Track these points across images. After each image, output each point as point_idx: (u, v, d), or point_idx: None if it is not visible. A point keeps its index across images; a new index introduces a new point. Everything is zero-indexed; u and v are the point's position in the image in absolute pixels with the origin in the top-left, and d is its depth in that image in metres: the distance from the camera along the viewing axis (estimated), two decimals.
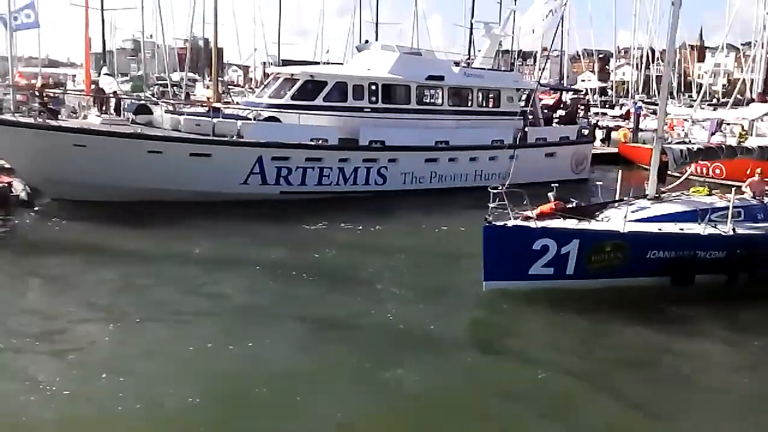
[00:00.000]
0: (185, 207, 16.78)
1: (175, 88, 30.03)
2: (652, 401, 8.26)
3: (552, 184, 12.73)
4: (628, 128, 37.01)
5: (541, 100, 29.48)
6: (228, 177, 17.91)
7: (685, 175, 15.33)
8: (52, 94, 25.86)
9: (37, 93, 25.37)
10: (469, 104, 23.15)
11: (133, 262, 13.00)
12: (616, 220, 12.08)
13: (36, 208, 17.20)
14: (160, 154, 17.15)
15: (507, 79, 24.87)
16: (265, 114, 19.97)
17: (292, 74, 20.99)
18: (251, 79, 44.09)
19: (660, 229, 11.99)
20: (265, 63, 40.34)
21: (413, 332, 9.98)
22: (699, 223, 11.95)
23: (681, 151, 14.48)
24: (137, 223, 15.43)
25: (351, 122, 20.25)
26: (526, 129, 24.00)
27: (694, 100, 44.53)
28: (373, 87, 20.90)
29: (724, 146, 16.06)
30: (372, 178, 20.11)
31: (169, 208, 16.53)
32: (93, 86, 28.52)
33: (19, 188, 17.50)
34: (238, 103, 23.82)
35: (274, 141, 18.58)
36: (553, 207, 12.18)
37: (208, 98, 26.87)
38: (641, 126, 37.92)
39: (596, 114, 37.08)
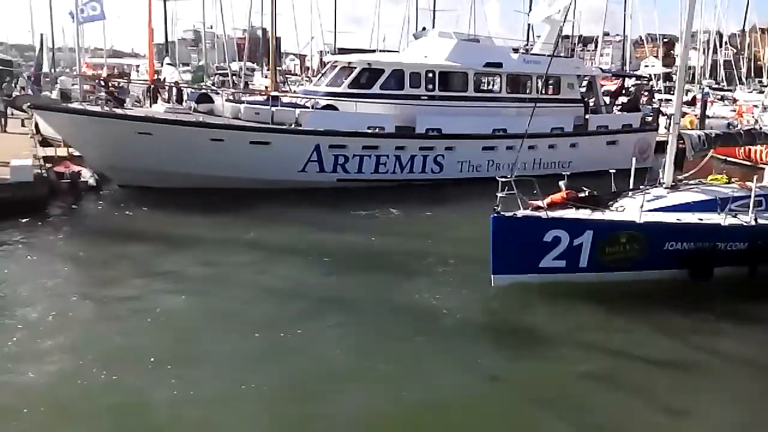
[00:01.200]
0: (244, 194, 17.11)
1: (234, 77, 30.50)
2: (670, 400, 7.95)
3: (566, 175, 12.42)
4: (695, 115, 35.67)
5: (602, 86, 28.72)
6: (286, 165, 18.14)
7: (703, 162, 14.36)
8: (117, 84, 26.72)
9: (103, 83, 26.26)
10: (528, 91, 22.75)
11: (193, 246, 13.35)
12: (630, 209, 11.50)
13: (103, 194, 17.83)
14: (221, 142, 17.49)
15: (567, 66, 24.30)
16: (323, 102, 20.12)
17: (350, 63, 21.04)
18: (308, 68, 44.43)
19: (678, 219, 11.40)
20: (321, 52, 40.55)
21: (445, 319, 9.93)
22: (718, 213, 11.35)
23: (699, 137, 13.77)
24: (198, 210, 15.79)
25: (408, 110, 20.19)
26: (587, 116, 23.46)
27: (765, 86, 42.64)
28: (430, 74, 20.77)
29: (742, 131, 15.19)
30: (428, 166, 20.03)
31: (229, 196, 16.92)
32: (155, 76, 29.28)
33: (87, 175, 18.16)
34: (295, 92, 24.05)
35: (331, 129, 18.70)
36: (564, 196, 11.71)
37: (266, 87, 27.24)
38: (708, 113, 36.49)
39: (660, 100, 35.87)
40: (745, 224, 11.36)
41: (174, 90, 24.22)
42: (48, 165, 18.21)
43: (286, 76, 35.81)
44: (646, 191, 12.45)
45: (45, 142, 21.41)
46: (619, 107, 26.25)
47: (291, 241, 13.89)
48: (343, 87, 20.19)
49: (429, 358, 8.73)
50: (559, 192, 11.85)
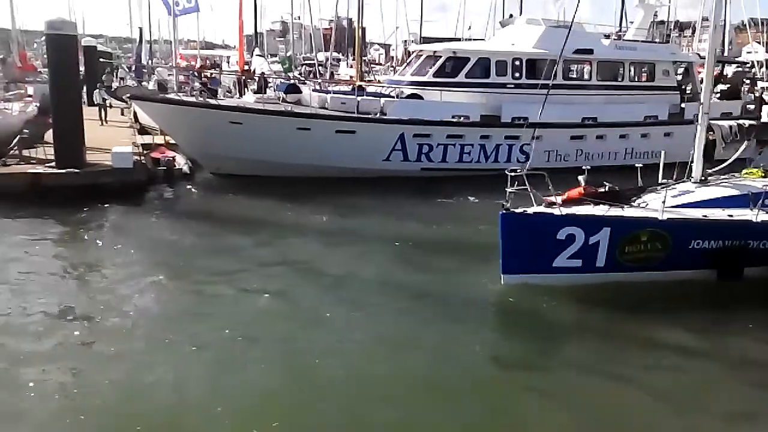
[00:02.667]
0: (330, 182, 17.40)
1: (320, 67, 30.97)
2: (695, 410, 7.49)
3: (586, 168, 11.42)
4: None
5: (699, 73, 27.35)
6: (371, 153, 18.30)
7: (737, 154, 12.97)
8: (209, 75, 27.66)
9: (196, 74, 27.24)
10: (620, 79, 21.93)
11: (280, 231, 13.78)
12: (654, 206, 10.66)
13: (195, 181, 18.59)
14: (308, 131, 17.84)
15: (662, 52, 23.27)
16: (408, 91, 20.14)
17: (435, 51, 20.94)
18: (392, 58, 44.52)
19: (704, 216, 10.55)
20: (406, 41, 40.50)
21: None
22: (751, 209, 10.44)
23: (731, 127, 12.71)
24: (284, 197, 16.22)
25: (493, 99, 19.91)
26: (683, 105, 22.42)
27: None
28: (517, 62, 20.37)
29: None
30: (514, 155, 19.65)
31: (315, 183, 17.27)
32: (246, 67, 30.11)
33: (181, 162, 18.97)
34: (379, 81, 24.17)
35: (415, 118, 18.70)
36: (582, 191, 10.92)
37: (351, 77, 27.52)
38: None
39: (763, 89, 33.79)
40: None
41: (263, 81, 24.81)
42: (146, 152, 19.13)
43: (371, 65, 36.02)
44: (673, 186, 11.59)
45: (143, 131, 22.49)
46: (718, 95, 24.92)
47: (371, 229, 14.07)
48: (428, 76, 20.12)
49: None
50: (577, 187, 11.04)
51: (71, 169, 15.75)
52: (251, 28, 38.35)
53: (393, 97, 19.96)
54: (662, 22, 40.96)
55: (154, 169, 18.06)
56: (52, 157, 16.29)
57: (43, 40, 51.82)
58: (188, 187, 18.06)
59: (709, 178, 12.10)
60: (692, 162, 12.07)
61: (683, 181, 12.03)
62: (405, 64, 25.27)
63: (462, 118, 19.22)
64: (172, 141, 19.87)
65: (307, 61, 36.13)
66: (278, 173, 17.68)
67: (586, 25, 25.73)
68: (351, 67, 32.30)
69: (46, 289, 10.29)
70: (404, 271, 11.41)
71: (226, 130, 17.55)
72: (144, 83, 26.43)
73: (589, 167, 11.45)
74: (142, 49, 28.46)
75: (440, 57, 20.35)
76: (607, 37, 23.36)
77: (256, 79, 25.14)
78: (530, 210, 10.09)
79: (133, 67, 29.01)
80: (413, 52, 24.17)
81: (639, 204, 10.99)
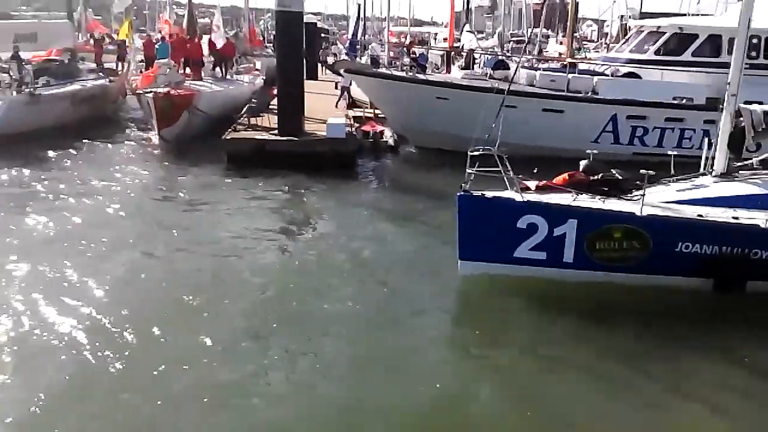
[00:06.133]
0: (533, 162, 16.96)
1: (529, 45, 30.23)
2: None
3: (591, 152, 10.16)
4: None
5: None
6: (579, 134, 17.50)
7: None
8: (417, 51, 28.26)
9: (405, 50, 27.96)
10: None
11: None
12: (650, 199, 9.09)
13: (400, 154, 19.20)
14: (514, 109, 17.49)
15: None
16: (624, 70, 19.00)
17: (658, 27, 19.47)
18: (606, 34, 42.10)
19: (699, 216, 8.86)
20: (622, 16, 38.03)
21: None
22: None
23: (765, 113, 10.26)
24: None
25: (723, 80, 18.02)
26: None
27: None
28: (755, 40, 18.24)
29: None
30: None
31: (518, 162, 16.93)
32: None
33: (388, 135, 19.69)
34: (589, 59, 23.08)
35: (630, 98, 17.59)
36: (566, 177, 9.61)
37: (560, 54, 26.52)
38: None
39: None
40: None
41: (471, 57, 24.83)
42: (356, 125, 20.08)
43: (582, 42, 34.43)
44: (688, 179, 10.10)
45: (353, 104, 23.63)
46: None
47: None
48: (649, 54, 18.80)
49: None
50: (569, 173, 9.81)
51: (291, 137, 17.02)
52: (459, 5, 38.49)
53: (607, 75, 18.97)
54: None
55: (363, 140, 18.94)
56: (275, 125, 17.72)
57: (268, 17, 56.33)
58: (392, 159, 18.75)
59: (735, 172, 10.13)
60: (714, 153, 10.18)
61: (702, 175, 10.27)
62: (622, 40, 23.82)
63: (684, 100, 17.70)
64: (381, 115, 20.67)
65: (514, 38, 35.45)
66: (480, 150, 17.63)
67: None
68: (561, 43, 31.11)
69: (260, 230, 11.91)
70: None
71: (432, 104, 17.84)
72: (357, 58, 27.66)
73: (596, 152, 10.30)
74: (359, 25, 29.75)
75: (664, 33, 18.89)
76: None
77: (464, 55, 25.23)
78: (489, 194, 9.17)
79: (348, 43, 30.45)
80: (632, 27, 22.70)
81: (636, 196, 9.27)
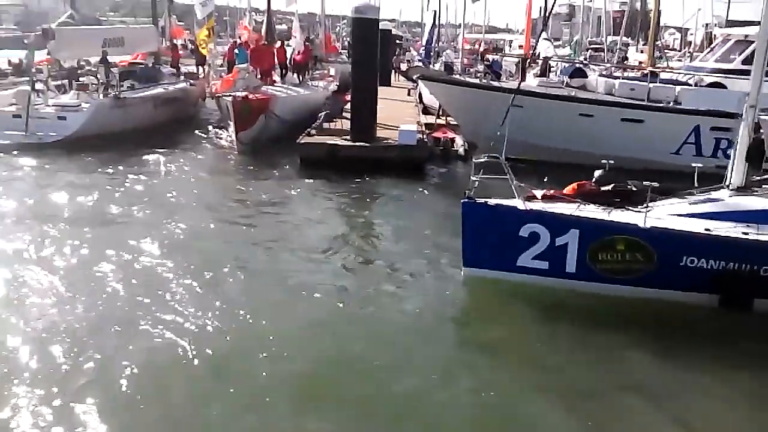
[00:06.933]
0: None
1: (610, 53, 29.57)
2: None
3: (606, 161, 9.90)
4: None
5: None
6: (659, 145, 16.97)
7: None
8: (491, 58, 28.00)
9: (479, 57, 27.77)
10: None
11: None
12: (659, 212, 9.05)
13: (469, 162, 18.97)
14: (590, 118, 17.13)
15: None
16: (708, 80, 18.28)
17: (746, 36, 18.61)
18: (689, 43, 40.65)
19: (706, 229, 8.58)
20: (707, 24, 36.66)
21: None
22: None
23: None
24: (555, 183, 15.81)
25: None
26: None
27: None
28: None
29: None
30: None
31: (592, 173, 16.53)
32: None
33: (459, 143, 19.55)
34: (671, 68, 22.32)
35: (715, 109, 16.87)
36: (575, 187, 9.58)
37: (641, 62, 25.77)
38: None
39: None
40: None
41: (546, 65, 24.44)
42: (427, 131, 20.06)
43: (664, 50, 33.38)
44: (704, 192, 9.72)
45: (425, 111, 23.63)
46: None
47: None
48: (736, 63, 17.99)
49: None
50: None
51: (363, 143, 17.16)
52: (536, 12, 37.89)
53: (690, 85, 18.29)
54: None
55: (433, 147, 18.88)
56: (348, 130, 17.90)
57: (343, 23, 57.02)
58: (462, 167, 18.57)
59: (760, 186, 9.55)
60: (732, 165, 9.61)
61: (720, 188, 9.69)
62: (707, 49, 22.94)
63: None
64: (452, 122, 20.56)
65: (593, 45, 34.69)
66: (555, 159, 17.24)
67: None
68: (642, 52, 30.25)
69: (331, 232, 12.20)
70: None
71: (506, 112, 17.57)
72: (431, 65, 27.68)
73: (612, 162, 9.96)
74: (433, 32, 29.76)
75: (752, 42, 18.03)
76: None
77: (539, 62, 24.83)
78: (493, 201, 9.15)
79: (422, 50, 30.53)
80: (717, 36, 21.84)
81: (646, 208, 8.84)
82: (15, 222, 12.00)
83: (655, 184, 8.69)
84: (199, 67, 26.38)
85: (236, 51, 23.63)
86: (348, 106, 19.11)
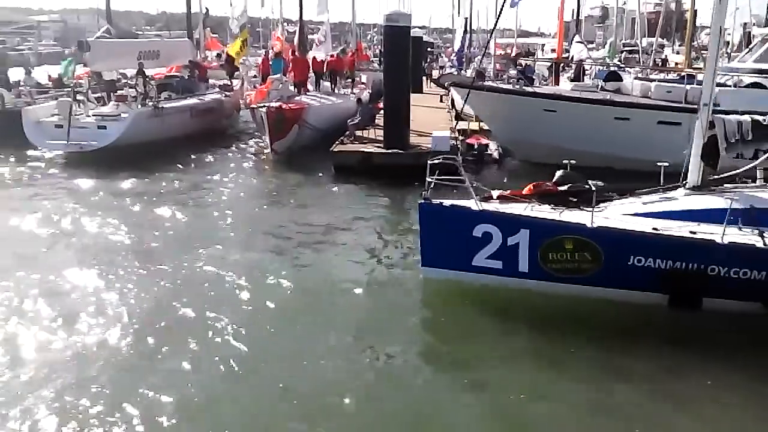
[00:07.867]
0: (647, 177, 16.29)
1: (645, 55, 29.16)
2: None
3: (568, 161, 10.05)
4: None
5: None
6: None
7: (758, 161, 9.77)
8: (524, 63, 27.86)
9: (512, 61, 27.63)
10: None
11: None
12: (611, 212, 9.22)
13: (502, 167, 18.92)
14: (626, 121, 16.91)
15: None
16: (747, 80, 17.90)
17: None
18: (727, 43, 39.85)
19: (654, 229, 8.59)
20: (745, 24, 35.89)
21: None
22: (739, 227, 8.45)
23: (739, 124, 10.01)
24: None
25: None
26: None
27: None
28: None
29: None
30: None
31: (635, 178, 16.29)
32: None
33: (493, 148, 19.46)
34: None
35: (755, 110, 16.48)
36: (532, 188, 9.69)
37: (677, 64, 25.38)
38: None
39: None
40: (757, 245, 8.20)
41: (580, 68, 24.23)
42: (461, 138, 20.00)
43: (701, 52, 32.80)
44: (658, 192, 9.89)
45: (458, 117, 23.53)
46: None
47: None
48: None
49: None
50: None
51: (396, 150, 17.20)
52: (568, 15, 37.51)
53: (729, 86, 17.92)
54: None
55: (467, 153, 18.80)
56: (381, 138, 17.95)
57: (374, 31, 57.23)
58: (494, 172, 18.49)
59: (711, 185, 9.74)
60: (687, 165, 9.84)
61: (676, 187, 9.88)
62: (746, 50, 22.47)
63: None
64: (485, 128, 20.47)
65: (627, 47, 34.24)
66: (591, 164, 16.95)
67: None
68: (678, 53, 29.75)
69: (368, 238, 12.47)
70: None
71: (539, 117, 17.49)
72: (463, 71, 27.63)
73: (573, 162, 10.13)
74: (465, 38, 29.73)
75: None
76: None
77: (573, 66, 24.63)
78: (447, 202, 9.23)
79: (453, 57, 30.50)
80: (756, 36, 21.38)
81: (600, 208, 9.10)
82: (62, 225, 12.78)
83: (601, 184, 8.96)
84: (230, 78, 26.76)
85: (270, 62, 23.92)
86: (380, 113, 19.18)
